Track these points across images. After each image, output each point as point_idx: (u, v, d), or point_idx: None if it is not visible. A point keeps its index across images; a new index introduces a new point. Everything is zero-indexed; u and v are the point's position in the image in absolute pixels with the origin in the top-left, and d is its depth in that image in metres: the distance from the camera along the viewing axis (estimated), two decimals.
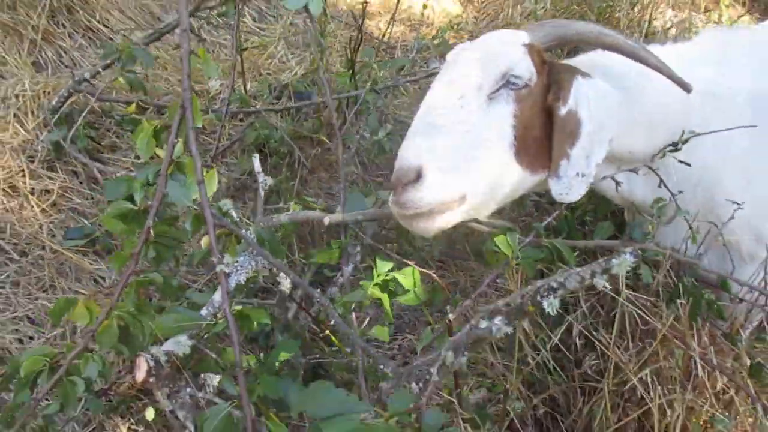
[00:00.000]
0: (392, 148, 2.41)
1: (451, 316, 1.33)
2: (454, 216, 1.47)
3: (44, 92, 2.60)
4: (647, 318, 1.66)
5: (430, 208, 1.43)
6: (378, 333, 1.40)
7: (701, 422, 1.72)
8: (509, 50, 1.58)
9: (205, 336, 1.37)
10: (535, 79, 1.58)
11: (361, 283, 1.46)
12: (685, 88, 1.59)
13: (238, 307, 1.43)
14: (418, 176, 1.41)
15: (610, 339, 1.79)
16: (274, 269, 1.42)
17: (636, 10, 3.36)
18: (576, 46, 1.97)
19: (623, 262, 1.27)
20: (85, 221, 2.36)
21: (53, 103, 2.48)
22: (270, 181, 1.58)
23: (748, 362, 1.78)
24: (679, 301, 1.64)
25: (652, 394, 1.69)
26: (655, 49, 1.64)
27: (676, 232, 1.85)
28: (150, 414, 1.89)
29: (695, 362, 1.66)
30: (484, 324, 1.22)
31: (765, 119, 1.79)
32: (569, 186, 1.52)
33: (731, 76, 1.80)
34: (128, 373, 2.03)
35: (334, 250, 1.63)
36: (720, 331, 1.89)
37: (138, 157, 2.57)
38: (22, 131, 2.45)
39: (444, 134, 1.49)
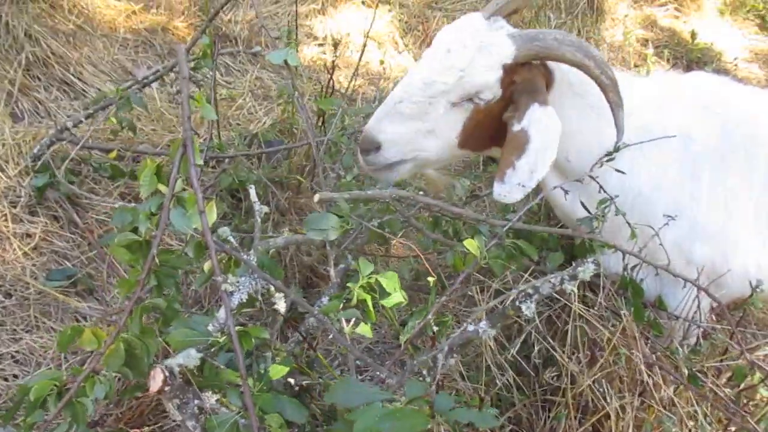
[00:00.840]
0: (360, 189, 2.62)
1: (429, 316, 1.49)
2: (406, 168, 1.94)
3: (24, 141, 2.70)
4: (597, 327, 1.87)
5: (387, 164, 1.90)
6: (363, 331, 1.54)
7: (651, 423, 1.92)
8: (486, 76, 1.82)
9: (212, 350, 1.50)
10: (497, 98, 1.87)
11: (348, 284, 1.61)
12: (618, 135, 1.88)
13: (239, 328, 1.57)
14: (378, 148, 1.85)
15: (565, 351, 2.00)
16: (271, 289, 1.57)
17: None
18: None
19: (587, 269, 1.49)
20: (67, 263, 2.45)
21: (35, 150, 2.58)
22: (265, 209, 1.73)
23: (686, 372, 2.01)
24: (623, 311, 1.85)
25: (608, 398, 1.89)
26: (619, 76, 1.91)
27: (618, 258, 2.09)
28: None
29: (639, 368, 1.87)
30: (471, 327, 1.40)
31: (691, 156, 2.08)
32: (510, 191, 1.81)
33: (670, 115, 2.06)
34: (116, 406, 2.11)
35: None
36: (661, 346, 2.12)
37: (115, 202, 2.68)
38: (4, 178, 2.54)
39: (407, 123, 1.85)
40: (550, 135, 1.81)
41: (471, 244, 1.71)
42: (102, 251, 2.50)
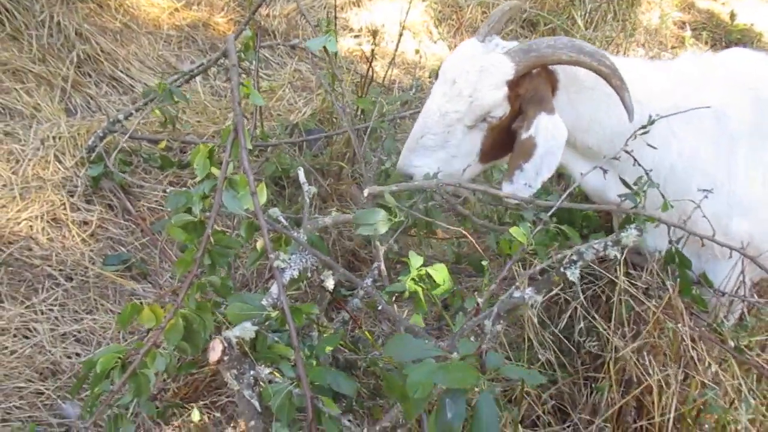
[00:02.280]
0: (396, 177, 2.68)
1: (479, 300, 1.55)
2: None
3: (78, 134, 2.83)
4: (642, 302, 1.89)
5: None
6: (415, 321, 1.61)
7: (693, 400, 1.93)
8: (493, 96, 1.94)
9: (266, 324, 1.58)
10: (507, 114, 1.99)
11: (399, 277, 1.67)
12: (629, 116, 1.93)
13: (290, 304, 1.64)
14: (410, 179, 2.00)
15: (609, 325, 2.02)
16: (320, 267, 1.63)
17: (610, 48, 3.71)
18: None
19: (629, 234, 1.52)
20: (122, 248, 2.56)
21: (89, 142, 2.71)
22: (314, 189, 1.80)
23: (733, 344, 2.01)
24: (668, 282, 1.87)
25: (651, 371, 1.91)
26: (645, 64, 1.95)
27: (655, 236, 2.11)
28: (195, 415, 2.08)
29: (684, 339, 1.88)
30: (517, 294, 1.44)
31: (726, 133, 2.08)
32: (517, 190, 1.95)
33: (701, 93, 2.07)
34: (173, 381, 2.21)
35: None
36: (705, 322, 2.12)
37: (165, 190, 2.79)
38: (62, 169, 2.67)
39: (432, 154, 2.01)
40: (556, 141, 1.93)
41: (517, 232, 1.74)
42: (154, 237, 2.61)
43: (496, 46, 2.01)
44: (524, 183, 1.95)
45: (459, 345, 1.16)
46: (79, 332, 2.27)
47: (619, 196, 2.01)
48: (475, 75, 1.93)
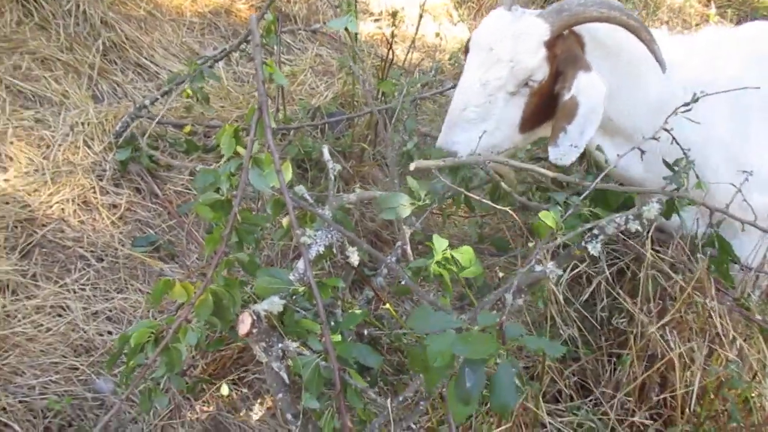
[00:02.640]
0: (419, 158, 2.69)
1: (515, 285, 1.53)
2: None
3: (106, 120, 2.89)
4: (670, 276, 1.90)
5: None
6: (442, 301, 1.63)
7: (716, 374, 1.93)
8: (533, 58, 1.93)
9: (293, 298, 1.62)
10: (546, 76, 1.97)
11: (423, 259, 1.69)
12: (662, 67, 1.93)
13: (316, 279, 1.67)
14: (454, 155, 1.95)
15: (634, 301, 2.03)
16: (345, 243, 1.67)
17: None
18: None
19: (651, 208, 1.53)
20: (150, 230, 2.63)
21: (117, 128, 2.77)
22: (338, 167, 1.83)
23: (760, 318, 2.01)
24: (699, 255, 1.87)
25: (672, 345, 1.92)
26: (664, 37, 1.96)
27: (687, 218, 2.10)
28: (225, 390, 2.13)
29: (711, 314, 1.89)
30: (539, 267, 1.46)
31: (741, 105, 2.06)
32: (564, 153, 1.94)
33: (718, 67, 2.06)
34: (202, 358, 2.27)
35: None
36: (731, 297, 2.12)
37: (192, 173, 2.85)
38: (91, 154, 2.74)
39: (475, 127, 1.99)
40: (596, 98, 1.93)
41: (546, 216, 1.74)
42: (181, 220, 2.67)
43: (523, 12, 2.00)
44: (570, 144, 1.94)
45: (479, 317, 1.19)
46: (111, 311, 2.34)
47: (664, 178, 2.01)
48: (513, 40, 1.93)
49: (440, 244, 1.75)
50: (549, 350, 1.20)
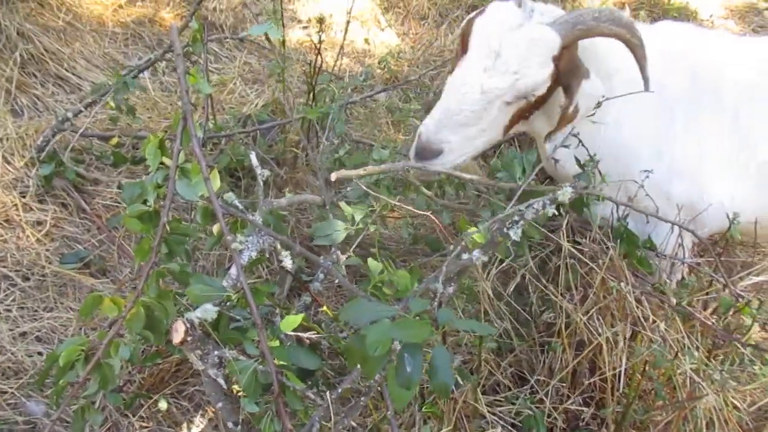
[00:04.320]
0: (350, 164, 2.71)
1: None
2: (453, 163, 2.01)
3: (26, 134, 2.79)
4: (587, 264, 1.99)
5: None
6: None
7: (640, 354, 2.04)
8: (541, 74, 1.87)
9: (227, 305, 1.61)
10: (546, 89, 1.94)
11: (356, 258, 1.72)
12: (646, 85, 1.98)
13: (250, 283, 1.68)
14: (439, 153, 1.93)
15: (559, 291, 2.12)
16: (278, 247, 1.67)
17: None
18: None
19: (565, 192, 1.60)
20: (79, 246, 2.55)
21: (38, 142, 2.68)
22: (267, 172, 1.84)
23: (675, 302, 2.13)
24: (611, 243, 1.97)
25: (600, 330, 2.01)
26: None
27: (603, 208, 2.21)
28: (163, 405, 2.10)
29: (629, 298, 1.99)
30: (465, 255, 1.51)
31: (666, 101, 2.19)
32: (554, 148, 2.00)
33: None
34: (138, 372, 2.23)
35: None
36: (650, 284, 2.24)
37: (120, 186, 2.78)
38: (11, 170, 2.64)
39: (465, 129, 1.94)
40: (594, 100, 1.96)
41: (479, 237, 1.76)
42: (111, 234, 2.61)
43: (532, 11, 1.91)
44: (562, 139, 1.99)
45: (412, 304, 1.22)
46: (40, 330, 2.26)
47: (574, 177, 2.10)
48: (522, 50, 1.83)
49: (374, 266, 1.76)
50: (479, 330, 1.25)
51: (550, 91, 1.97)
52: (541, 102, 2.01)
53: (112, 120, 2.82)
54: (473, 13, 2.02)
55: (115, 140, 2.72)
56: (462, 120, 1.92)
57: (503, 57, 1.86)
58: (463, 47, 1.96)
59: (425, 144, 1.93)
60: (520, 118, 2.05)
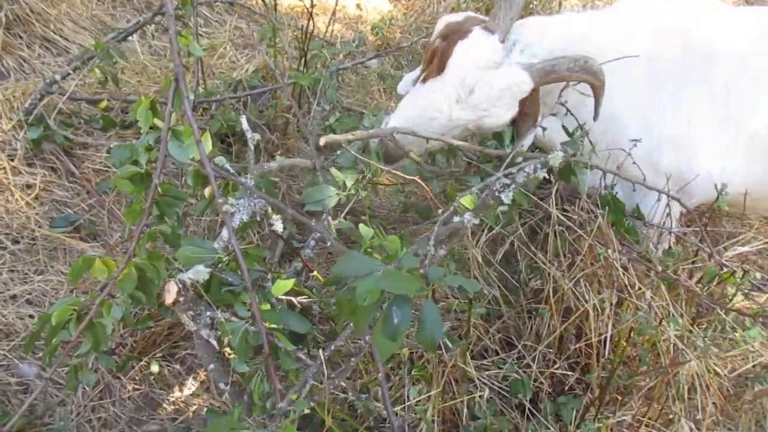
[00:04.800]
0: (341, 131, 2.70)
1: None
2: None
3: (13, 96, 2.76)
4: (575, 231, 2.02)
5: None
6: None
7: (625, 321, 2.07)
8: (507, 114, 1.95)
9: (218, 266, 1.62)
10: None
11: (348, 222, 1.72)
12: (596, 117, 2.04)
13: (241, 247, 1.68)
14: (398, 159, 2.00)
15: (547, 258, 2.15)
16: (269, 211, 1.68)
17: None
18: None
19: (556, 156, 1.62)
20: (69, 210, 2.54)
21: (26, 105, 2.65)
22: (257, 136, 1.83)
23: (660, 269, 2.17)
24: (599, 211, 1.99)
25: (587, 296, 2.04)
26: (576, 17, 2.02)
27: (593, 174, 2.23)
28: (155, 367, 2.12)
29: (615, 265, 2.02)
30: (456, 218, 1.53)
31: (658, 75, 2.20)
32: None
33: (636, 41, 2.17)
34: (131, 336, 2.24)
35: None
36: (635, 252, 2.27)
37: (109, 151, 2.76)
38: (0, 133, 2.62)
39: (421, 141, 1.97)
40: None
41: (467, 201, 1.78)
42: (101, 198, 2.59)
43: (513, 45, 1.99)
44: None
45: (403, 260, 1.24)
46: (30, 293, 2.27)
47: (561, 144, 2.11)
48: (497, 92, 1.91)
49: (366, 231, 1.77)
50: (467, 286, 1.27)
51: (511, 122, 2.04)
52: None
53: (100, 83, 2.78)
54: (451, 18, 2.05)
55: (104, 104, 2.70)
56: (424, 134, 1.96)
57: (476, 94, 1.93)
58: (439, 65, 1.98)
59: (390, 151, 1.99)
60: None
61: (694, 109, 2.17)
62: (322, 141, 1.69)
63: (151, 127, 1.78)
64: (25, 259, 2.34)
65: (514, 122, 2.02)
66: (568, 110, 2.02)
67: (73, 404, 2.07)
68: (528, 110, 1.98)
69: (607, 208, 2.09)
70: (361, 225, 1.81)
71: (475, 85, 1.92)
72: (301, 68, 2.98)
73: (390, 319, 1.15)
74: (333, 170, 1.83)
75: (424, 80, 2.03)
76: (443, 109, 1.96)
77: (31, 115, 2.63)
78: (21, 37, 3.13)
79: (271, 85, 3.06)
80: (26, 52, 3.08)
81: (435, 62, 1.99)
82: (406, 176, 1.84)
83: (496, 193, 1.56)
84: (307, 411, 1.51)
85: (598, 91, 2.01)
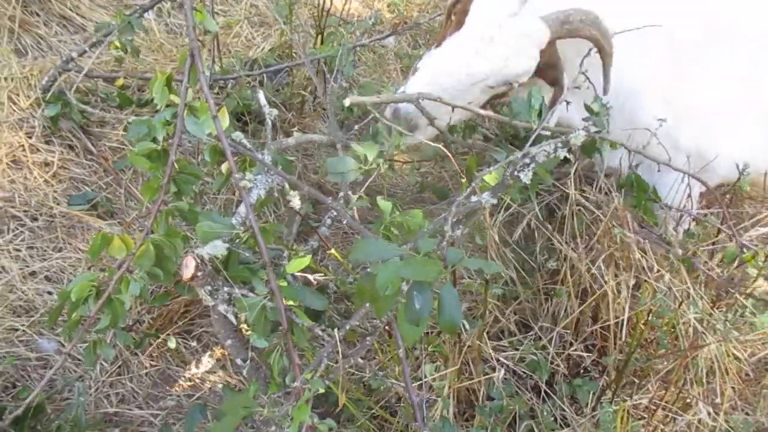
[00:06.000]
0: (357, 110, 2.68)
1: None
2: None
3: (31, 74, 2.76)
4: (593, 212, 1.99)
5: None
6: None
7: (644, 304, 2.05)
8: (528, 63, 1.92)
9: (236, 242, 1.62)
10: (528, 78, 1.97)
11: (364, 200, 1.70)
12: (606, 89, 2.01)
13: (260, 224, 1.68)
14: (414, 129, 1.93)
15: (565, 240, 2.13)
16: (286, 187, 1.67)
17: None
18: None
19: (578, 135, 1.59)
20: (86, 188, 2.55)
21: (43, 82, 2.65)
22: (275, 112, 1.82)
23: (680, 252, 2.14)
24: (614, 193, 1.96)
25: (606, 277, 2.02)
26: None
27: (612, 156, 2.19)
28: (172, 343, 2.14)
29: (632, 247, 1.99)
30: (474, 198, 1.51)
31: (678, 50, 2.15)
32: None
33: (656, 14, 2.12)
34: (148, 313, 2.26)
35: None
36: (656, 234, 2.24)
37: (126, 129, 2.76)
38: (17, 110, 2.62)
39: (443, 107, 1.90)
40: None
41: (491, 178, 1.75)
42: (118, 176, 2.60)
43: (527, 1, 1.95)
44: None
45: (421, 243, 1.23)
46: (49, 270, 2.29)
47: (584, 119, 2.08)
48: (517, 39, 1.89)
49: (385, 206, 1.75)
50: (487, 269, 1.26)
51: (530, 82, 2.00)
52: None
53: (117, 60, 2.79)
54: None
55: (120, 81, 2.69)
56: (444, 98, 1.90)
57: (494, 44, 1.90)
58: (457, 22, 1.98)
59: (405, 120, 1.93)
60: (497, 98, 2.07)
61: (715, 85, 2.12)
62: (348, 101, 1.67)
63: (167, 105, 1.77)
64: (44, 236, 2.36)
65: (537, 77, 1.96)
66: (587, 77, 1.97)
67: (91, 380, 2.09)
68: (549, 62, 1.94)
69: (627, 189, 2.05)
70: (379, 199, 1.79)
71: (494, 35, 1.90)
72: (318, 46, 2.96)
73: (412, 305, 1.15)
74: (354, 144, 1.81)
75: (438, 45, 2.01)
76: (462, 62, 1.92)
77: (49, 92, 2.63)
78: (38, 15, 3.12)
79: (289, 62, 3.03)
80: (43, 30, 3.08)
81: (453, 19, 1.98)
82: (429, 144, 1.81)
83: (516, 173, 1.54)
84: (321, 390, 1.51)
85: (607, 58, 1.96)
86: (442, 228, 1.31)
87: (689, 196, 2.22)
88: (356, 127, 1.99)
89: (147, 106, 2.86)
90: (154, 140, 1.75)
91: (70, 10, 3.20)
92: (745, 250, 2.07)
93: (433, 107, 1.89)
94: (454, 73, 1.92)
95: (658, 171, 2.15)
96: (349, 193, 1.85)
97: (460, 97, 1.93)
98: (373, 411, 2.03)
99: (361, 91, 2.33)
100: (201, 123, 1.70)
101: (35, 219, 2.39)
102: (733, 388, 2.11)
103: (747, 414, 2.24)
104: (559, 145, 1.57)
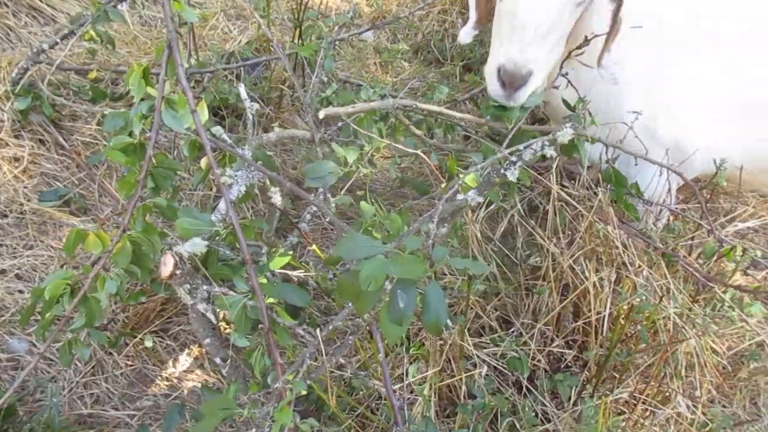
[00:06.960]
0: (338, 104, 2.65)
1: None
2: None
3: (0, 66, 2.67)
4: (575, 207, 1.99)
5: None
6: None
7: (625, 299, 2.06)
8: None
9: (216, 239, 1.58)
10: None
11: (347, 197, 1.68)
12: (600, 60, 1.99)
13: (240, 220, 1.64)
14: (529, 75, 1.83)
15: (547, 235, 2.12)
16: (267, 183, 1.64)
17: None
18: None
19: (565, 133, 1.58)
20: (58, 184, 2.48)
21: (12, 75, 2.57)
22: (256, 105, 1.78)
23: (661, 246, 2.15)
24: (599, 188, 1.96)
25: (587, 273, 2.02)
26: None
27: (592, 149, 2.19)
28: (148, 342, 2.09)
29: (615, 242, 1.99)
30: (460, 196, 1.49)
31: (661, 39, 2.15)
32: (614, 73, 2.00)
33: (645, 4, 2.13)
34: (123, 311, 2.20)
35: None
36: (635, 229, 2.25)
37: (100, 123, 2.69)
38: None
39: (544, 41, 1.85)
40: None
41: (470, 180, 1.73)
42: (92, 171, 2.53)
43: None
44: (614, 62, 1.95)
45: (407, 241, 1.20)
46: (20, 268, 2.22)
47: (563, 118, 2.07)
48: None
49: (368, 209, 1.73)
50: (473, 268, 1.24)
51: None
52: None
53: (90, 53, 2.71)
54: None
55: (93, 74, 2.62)
56: (544, 30, 1.83)
57: None
58: None
59: (513, 71, 1.82)
60: (577, 30, 2.00)
61: (694, 78, 2.13)
62: (322, 113, 1.64)
63: (143, 98, 1.73)
64: (14, 234, 2.29)
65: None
66: (569, 81, 1.97)
67: (64, 380, 2.03)
68: None
69: (608, 183, 2.06)
70: (362, 203, 1.77)
71: None
72: (296, 40, 2.92)
73: (395, 303, 1.13)
74: (334, 146, 1.79)
75: None
76: None
77: (18, 85, 2.55)
78: (6, 6, 3.03)
79: (267, 56, 2.99)
80: (12, 21, 2.99)
81: None
82: (406, 149, 1.79)
83: (502, 171, 1.53)
84: (304, 392, 1.49)
85: (616, 25, 1.91)
86: (426, 225, 1.29)
87: (668, 191, 2.23)
88: (339, 125, 1.96)
89: (121, 100, 2.79)
90: (131, 134, 1.71)
91: (40, 1, 3.11)
92: (723, 245, 2.09)
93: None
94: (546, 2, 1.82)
95: (635, 165, 2.16)
96: (328, 195, 1.82)
97: (557, 25, 1.85)
98: (354, 408, 2.01)
99: (334, 97, 2.29)
100: (179, 116, 1.66)
101: (5, 216, 2.32)
102: (711, 381, 2.13)
103: (724, 406, 2.27)
104: (546, 143, 1.56)
